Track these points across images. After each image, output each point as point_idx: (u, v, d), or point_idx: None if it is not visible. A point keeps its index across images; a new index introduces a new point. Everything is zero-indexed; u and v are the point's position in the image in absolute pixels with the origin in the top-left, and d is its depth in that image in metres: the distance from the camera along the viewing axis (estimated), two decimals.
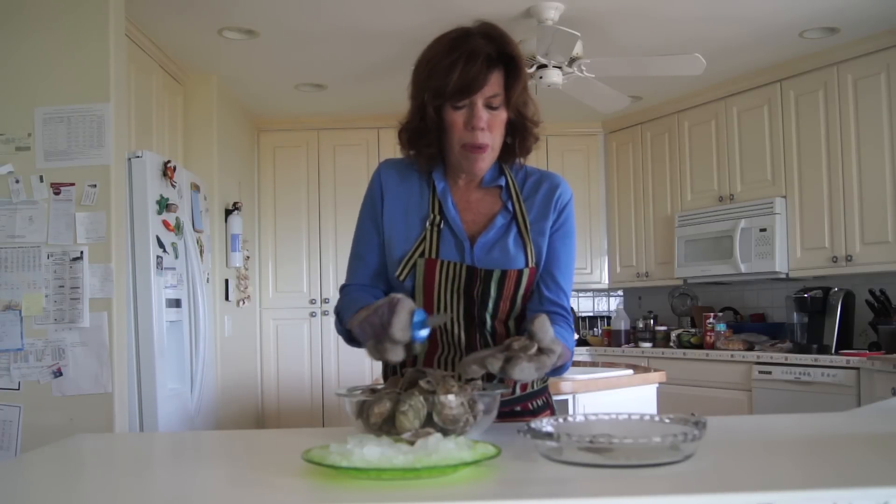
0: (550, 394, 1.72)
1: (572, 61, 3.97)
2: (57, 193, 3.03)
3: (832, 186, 4.52)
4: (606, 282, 6.16)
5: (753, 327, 5.12)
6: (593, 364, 4.11)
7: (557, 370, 1.51)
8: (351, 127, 5.85)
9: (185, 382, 3.68)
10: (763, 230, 4.82)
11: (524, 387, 1.63)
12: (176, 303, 3.61)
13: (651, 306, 6.06)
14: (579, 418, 1.28)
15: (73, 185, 3.04)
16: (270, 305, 5.81)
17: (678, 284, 5.61)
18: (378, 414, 1.22)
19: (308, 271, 5.84)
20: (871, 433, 1.40)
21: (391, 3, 3.81)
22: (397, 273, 1.58)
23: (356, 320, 1.37)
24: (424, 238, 1.58)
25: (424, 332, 1.33)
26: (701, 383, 4.90)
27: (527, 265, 1.58)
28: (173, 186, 3.61)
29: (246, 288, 5.33)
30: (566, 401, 3.01)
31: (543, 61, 3.88)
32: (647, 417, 1.27)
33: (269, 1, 3.74)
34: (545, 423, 1.21)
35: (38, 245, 3.02)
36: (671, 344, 5.35)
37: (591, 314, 6.42)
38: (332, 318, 5.75)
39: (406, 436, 1.16)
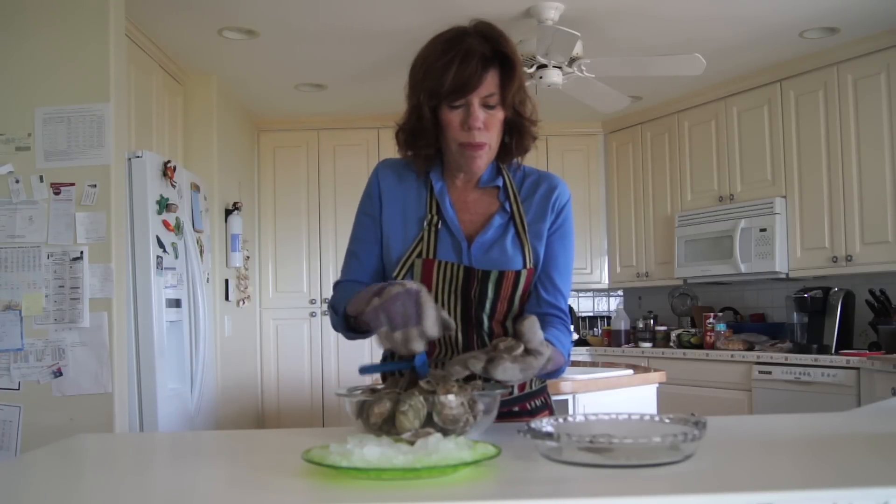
0: (549, 394, 1.71)
1: (572, 61, 3.97)
2: (57, 193, 3.03)
3: (832, 186, 4.52)
4: (606, 282, 6.16)
5: (753, 327, 5.12)
6: (593, 364, 4.11)
7: (551, 374, 1.49)
8: (351, 127, 5.85)
9: (185, 382, 3.68)
10: (763, 230, 4.82)
11: (522, 387, 1.63)
12: (176, 303, 3.61)
13: (651, 306, 6.06)
14: (579, 418, 1.28)
15: (73, 185, 3.04)
16: (270, 305, 5.81)
17: (678, 284, 5.61)
18: (378, 414, 1.22)
19: (308, 271, 5.84)
20: (871, 433, 1.40)
21: (391, 3, 3.81)
22: (395, 273, 1.58)
23: (368, 306, 1.33)
24: (422, 238, 1.58)
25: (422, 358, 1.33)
26: (701, 383, 4.90)
27: (525, 266, 1.58)
28: (173, 186, 3.61)
29: (246, 288, 5.33)
30: (566, 401, 3.01)
31: (543, 61, 3.88)
32: (647, 417, 1.27)
33: (269, 1, 3.74)
34: (545, 423, 1.21)
35: (38, 245, 3.02)
36: (671, 344, 5.35)
37: (591, 314, 6.42)
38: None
39: (406, 436, 1.16)
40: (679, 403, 4.73)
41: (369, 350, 5.68)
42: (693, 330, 5.33)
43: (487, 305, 1.57)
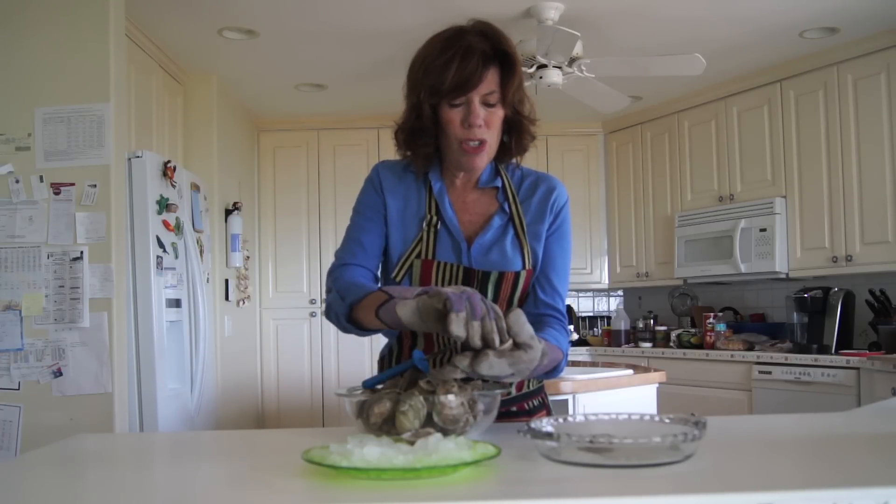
0: (546, 394, 1.71)
1: (572, 61, 3.97)
2: (57, 193, 3.03)
3: (832, 186, 4.52)
4: (606, 282, 6.16)
5: (753, 327, 5.12)
6: (593, 364, 4.11)
7: (550, 373, 1.48)
8: (351, 127, 5.85)
9: (185, 382, 3.68)
10: (763, 230, 4.82)
11: (520, 387, 1.63)
12: (176, 303, 3.61)
13: (651, 306, 6.06)
14: (579, 418, 1.28)
15: (73, 185, 3.04)
16: (270, 305, 5.81)
17: (678, 284, 5.61)
18: (378, 414, 1.22)
19: (308, 271, 5.84)
20: (871, 433, 1.40)
21: (391, 3, 3.81)
22: (394, 274, 1.57)
23: (442, 291, 1.24)
24: (421, 239, 1.57)
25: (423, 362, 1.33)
26: (701, 383, 4.90)
27: (524, 267, 1.58)
28: (173, 186, 3.61)
29: (246, 288, 5.33)
30: (566, 401, 3.01)
31: (543, 61, 3.88)
32: (647, 417, 1.27)
33: (269, 1, 3.74)
34: (545, 423, 1.21)
35: (38, 245, 3.02)
36: (671, 344, 5.35)
37: (591, 314, 6.42)
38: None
39: (406, 436, 1.16)
40: (679, 403, 4.73)
41: (369, 350, 5.68)
42: (693, 330, 5.33)
43: None
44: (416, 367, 1.33)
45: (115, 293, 3.04)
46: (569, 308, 6.15)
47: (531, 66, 3.91)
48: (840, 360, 4.16)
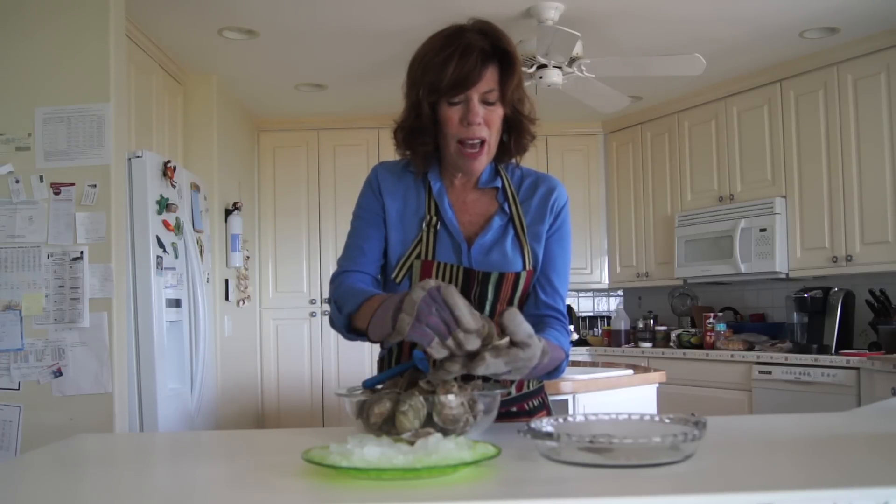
0: (546, 394, 1.71)
1: (572, 61, 3.97)
2: (57, 193, 3.03)
3: (832, 186, 4.52)
4: (606, 282, 6.16)
5: (753, 327, 5.12)
6: (593, 364, 4.11)
7: (551, 373, 1.48)
8: (351, 127, 5.85)
9: (185, 382, 3.68)
10: (763, 230, 4.82)
11: (519, 387, 1.63)
12: (176, 303, 3.61)
13: (651, 306, 6.06)
14: (579, 418, 1.28)
15: (73, 185, 3.04)
16: (270, 305, 5.81)
17: (678, 284, 5.61)
18: (378, 414, 1.22)
19: (308, 271, 5.84)
20: (871, 433, 1.40)
21: (391, 3, 3.81)
22: (393, 275, 1.57)
23: (401, 324, 1.23)
24: (421, 240, 1.57)
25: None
26: (701, 383, 4.90)
27: (524, 268, 1.58)
28: (173, 186, 3.61)
29: (246, 288, 5.33)
30: (566, 401, 3.01)
31: (543, 61, 3.88)
32: (647, 417, 1.27)
33: (269, 1, 3.74)
34: (545, 423, 1.21)
35: (38, 245, 3.02)
36: (671, 344, 5.35)
37: (591, 314, 6.42)
38: None
39: (406, 436, 1.16)
40: (679, 403, 4.73)
41: (369, 350, 5.68)
42: (693, 330, 5.33)
43: (487, 307, 1.56)
44: (416, 367, 1.33)
45: (115, 293, 3.04)
46: (569, 308, 6.15)
47: (531, 66, 3.91)
48: (840, 360, 4.16)
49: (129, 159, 3.37)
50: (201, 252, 3.95)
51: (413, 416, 1.20)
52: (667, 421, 1.23)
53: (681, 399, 4.83)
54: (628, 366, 3.59)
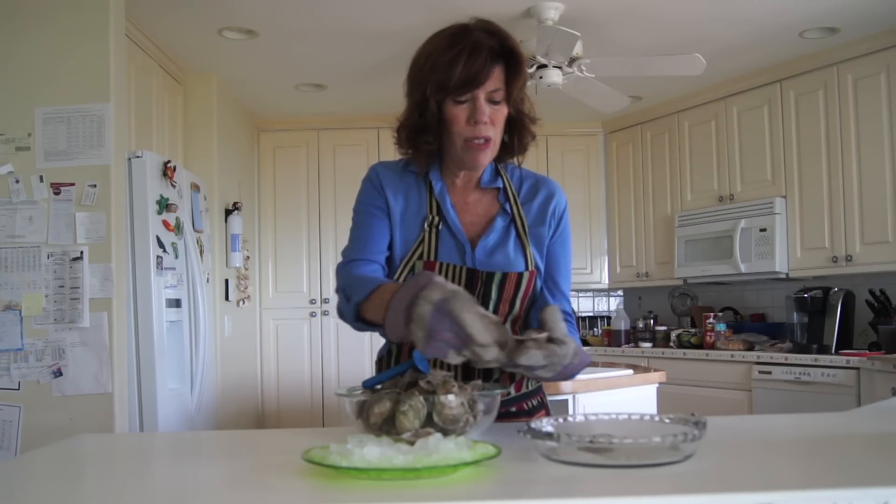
0: (545, 394, 1.72)
1: (572, 61, 3.97)
2: (57, 193, 3.03)
3: (832, 186, 4.52)
4: (606, 282, 6.16)
5: (753, 327, 5.12)
6: (593, 364, 4.11)
7: (572, 374, 1.48)
8: (351, 127, 5.85)
9: (185, 382, 3.68)
10: (763, 230, 4.82)
11: (518, 387, 1.63)
12: (176, 303, 3.61)
13: (651, 306, 6.06)
14: (579, 418, 1.28)
15: (73, 185, 3.04)
16: (270, 305, 5.81)
17: (678, 284, 5.61)
18: (378, 414, 1.22)
19: (308, 271, 5.84)
20: (871, 433, 1.40)
21: (391, 3, 3.81)
22: (396, 276, 1.57)
23: (411, 335, 1.23)
24: (423, 240, 1.56)
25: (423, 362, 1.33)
26: (701, 383, 4.90)
27: (527, 268, 1.58)
28: (173, 186, 3.61)
29: (246, 288, 5.33)
30: (566, 401, 3.01)
31: (543, 61, 3.88)
32: (647, 417, 1.27)
33: (269, 1, 3.74)
34: (545, 423, 1.21)
35: (38, 245, 3.02)
36: (671, 344, 5.35)
37: (591, 314, 6.42)
38: (332, 319, 5.75)
39: (406, 436, 1.16)
40: (679, 403, 4.73)
41: (369, 350, 5.68)
42: (693, 330, 5.33)
43: (490, 307, 1.56)
44: (416, 367, 1.33)
45: (115, 293, 3.04)
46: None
47: (531, 66, 3.91)
48: (840, 360, 4.16)
49: (129, 159, 3.37)
50: (201, 252, 3.95)
51: (413, 416, 1.20)
52: (667, 421, 1.23)
53: (681, 399, 4.83)
54: (628, 366, 3.59)
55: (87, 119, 3.06)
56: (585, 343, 5.95)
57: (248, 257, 5.39)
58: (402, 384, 1.33)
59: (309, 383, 5.78)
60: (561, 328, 1.27)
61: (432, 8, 3.82)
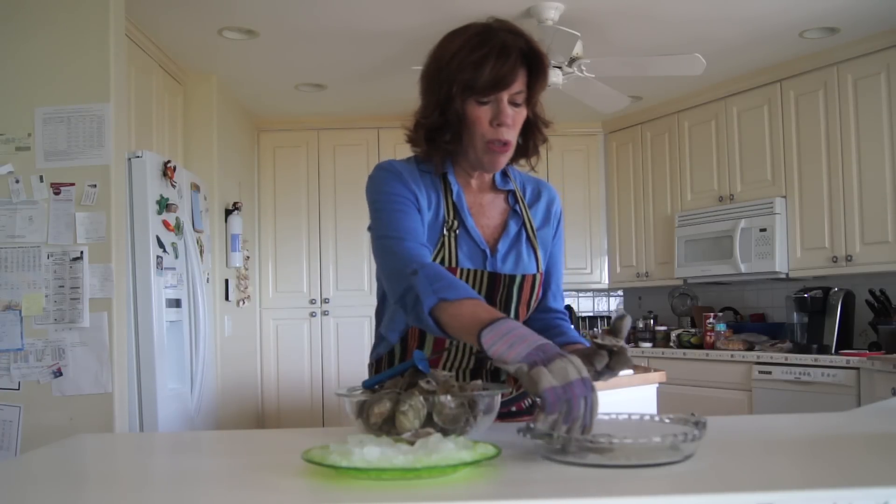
0: None
1: (572, 61, 3.97)
2: (57, 193, 3.03)
3: (832, 186, 4.52)
4: (606, 282, 6.16)
5: (753, 327, 5.12)
6: None
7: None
8: (351, 127, 5.85)
9: (185, 382, 3.68)
10: (763, 230, 4.82)
11: (518, 386, 1.63)
12: (176, 303, 3.61)
13: (651, 306, 6.06)
14: None
15: (73, 185, 3.04)
16: (270, 305, 5.81)
17: (678, 284, 5.61)
18: (378, 414, 1.22)
19: (308, 271, 5.84)
20: (871, 433, 1.40)
21: (391, 3, 3.81)
22: None
23: (541, 379, 1.13)
24: (443, 245, 1.52)
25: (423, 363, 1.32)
26: (701, 383, 4.90)
27: (538, 270, 1.59)
28: (173, 186, 3.61)
29: (246, 288, 5.33)
30: None
31: None
32: (647, 417, 1.27)
33: (269, 1, 3.74)
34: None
35: (38, 245, 3.02)
36: (671, 344, 5.35)
37: (591, 314, 6.42)
38: (332, 319, 5.75)
39: (406, 436, 1.16)
40: (679, 403, 4.73)
41: (369, 350, 5.67)
42: (693, 330, 5.33)
43: (512, 311, 1.56)
44: (416, 367, 1.33)
45: (115, 293, 3.04)
46: (569, 308, 6.15)
47: None
48: (840, 360, 4.16)
49: (129, 159, 3.37)
50: (201, 252, 3.95)
51: (413, 416, 1.20)
52: (667, 421, 1.23)
53: (681, 399, 4.83)
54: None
55: (87, 119, 3.06)
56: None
57: (248, 257, 5.39)
58: (402, 384, 1.33)
59: (309, 383, 5.78)
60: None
61: (432, 8, 3.82)
